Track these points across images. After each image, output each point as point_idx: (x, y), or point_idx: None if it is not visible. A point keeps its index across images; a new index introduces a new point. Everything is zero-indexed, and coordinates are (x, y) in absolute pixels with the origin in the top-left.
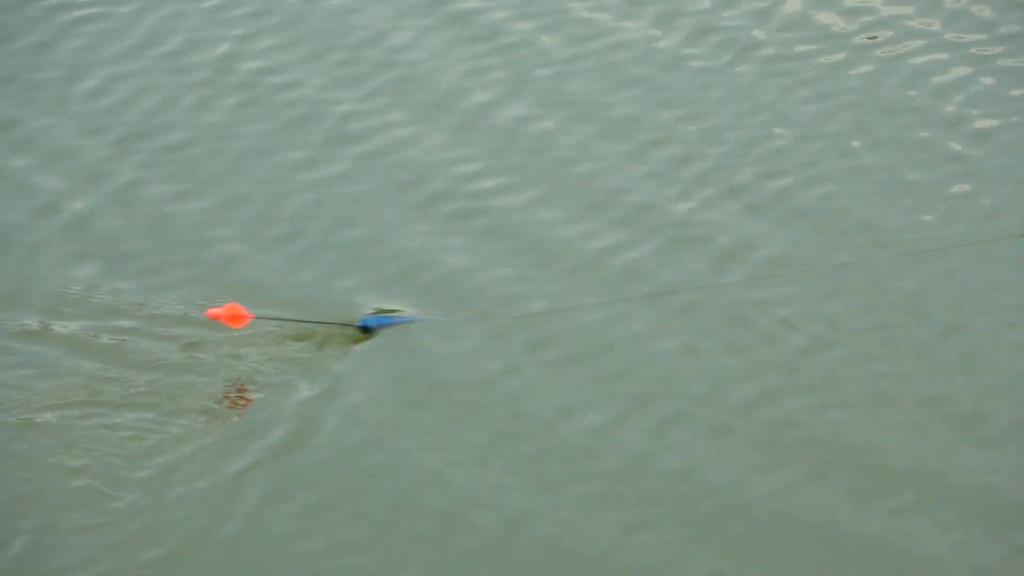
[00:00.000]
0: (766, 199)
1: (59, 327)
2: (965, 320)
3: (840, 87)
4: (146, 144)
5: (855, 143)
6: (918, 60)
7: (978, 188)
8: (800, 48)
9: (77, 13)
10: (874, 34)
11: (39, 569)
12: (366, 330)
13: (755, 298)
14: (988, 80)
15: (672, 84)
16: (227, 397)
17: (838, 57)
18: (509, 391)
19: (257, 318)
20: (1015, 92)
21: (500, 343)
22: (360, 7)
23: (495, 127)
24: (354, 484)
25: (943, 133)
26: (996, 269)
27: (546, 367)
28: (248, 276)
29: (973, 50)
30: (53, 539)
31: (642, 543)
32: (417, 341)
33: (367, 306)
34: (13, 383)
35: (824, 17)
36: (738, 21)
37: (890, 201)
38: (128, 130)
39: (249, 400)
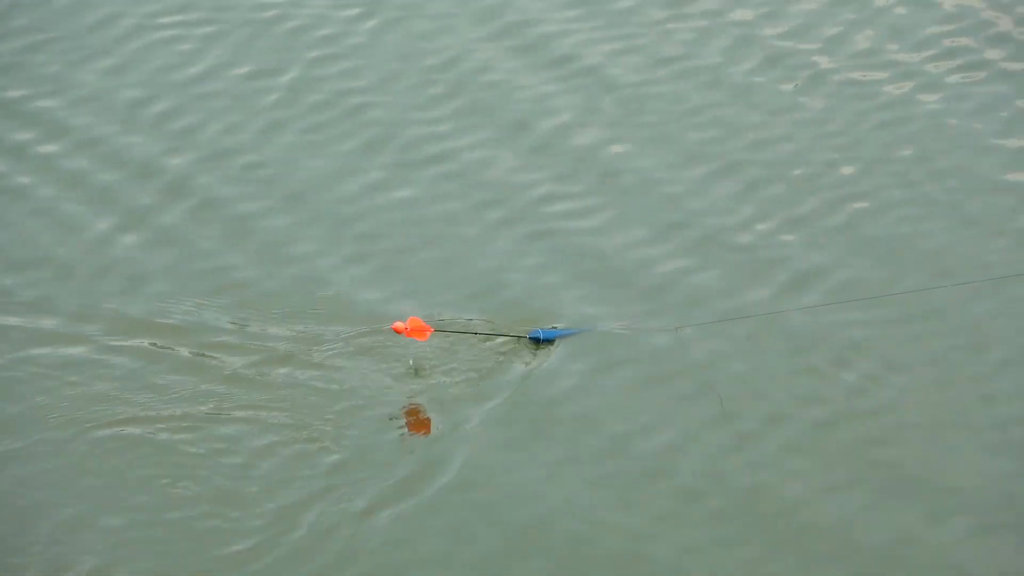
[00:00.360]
0: (832, 227)
1: (178, 348)
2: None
3: (907, 116)
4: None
5: (919, 173)
6: (984, 91)
7: None
8: (869, 76)
9: (157, 35)
10: (940, 64)
11: None
12: (537, 342)
13: (823, 323)
14: None
15: (741, 111)
16: (407, 421)
17: (905, 87)
18: (583, 409)
19: (437, 331)
20: None
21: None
22: (437, 32)
23: (570, 150)
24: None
25: (1003, 164)
26: None
27: (623, 385)
28: (337, 291)
29: None
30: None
31: (718, 558)
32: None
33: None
34: (124, 398)
35: (891, 47)
36: (808, 47)
37: (953, 232)
38: (209, 149)
39: (426, 421)
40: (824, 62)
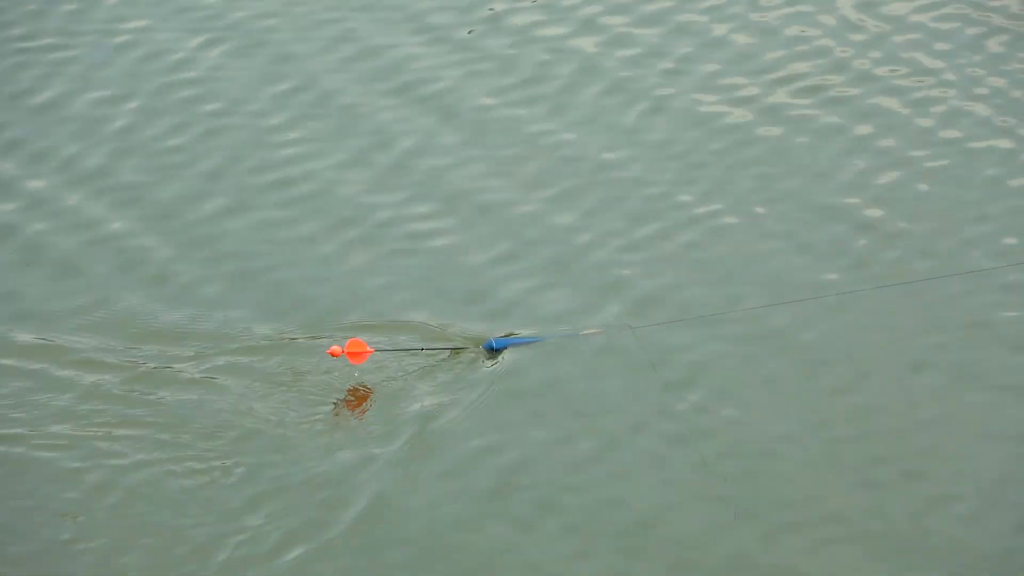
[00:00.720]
0: (671, 250)
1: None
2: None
3: (748, 141)
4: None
5: (758, 198)
6: (823, 118)
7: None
8: (710, 102)
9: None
10: (780, 90)
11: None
12: (492, 351)
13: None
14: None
15: (585, 136)
16: (345, 400)
17: (746, 114)
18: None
19: (377, 351)
20: (915, 152)
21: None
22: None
23: (419, 171)
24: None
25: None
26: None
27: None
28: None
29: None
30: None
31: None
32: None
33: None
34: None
35: (734, 73)
36: (651, 73)
37: (790, 256)
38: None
39: (365, 398)
40: (667, 89)
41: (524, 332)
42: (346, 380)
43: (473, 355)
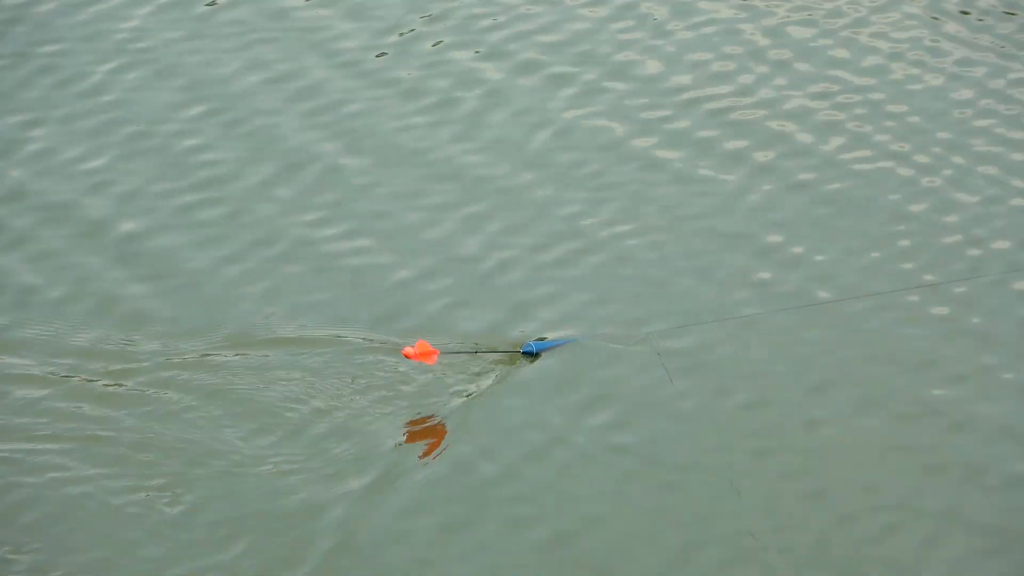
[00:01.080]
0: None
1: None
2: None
3: (655, 166)
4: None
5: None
6: (726, 144)
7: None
8: (614, 129)
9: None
10: (684, 117)
11: None
12: (530, 355)
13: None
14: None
15: (491, 161)
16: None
17: (651, 140)
18: None
19: (443, 353)
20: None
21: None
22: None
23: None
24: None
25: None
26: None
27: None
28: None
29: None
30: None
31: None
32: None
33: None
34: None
35: (638, 100)
36: (557, 102)
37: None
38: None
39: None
40: (571, 115)
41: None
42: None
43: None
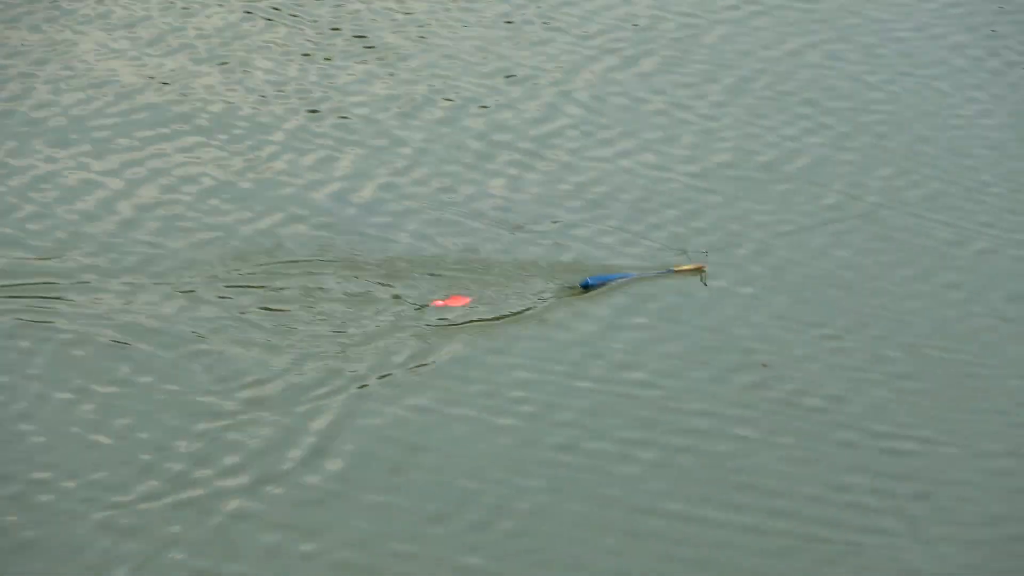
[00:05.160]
0: None
1: None
2: None
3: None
4: None
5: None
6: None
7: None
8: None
9: None
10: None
11: None
12: (586, 288)
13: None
14: None
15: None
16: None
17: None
18: None
19: (475, 302)
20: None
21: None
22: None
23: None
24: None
25: None
26: None
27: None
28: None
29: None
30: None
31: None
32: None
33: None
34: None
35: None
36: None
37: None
38: None
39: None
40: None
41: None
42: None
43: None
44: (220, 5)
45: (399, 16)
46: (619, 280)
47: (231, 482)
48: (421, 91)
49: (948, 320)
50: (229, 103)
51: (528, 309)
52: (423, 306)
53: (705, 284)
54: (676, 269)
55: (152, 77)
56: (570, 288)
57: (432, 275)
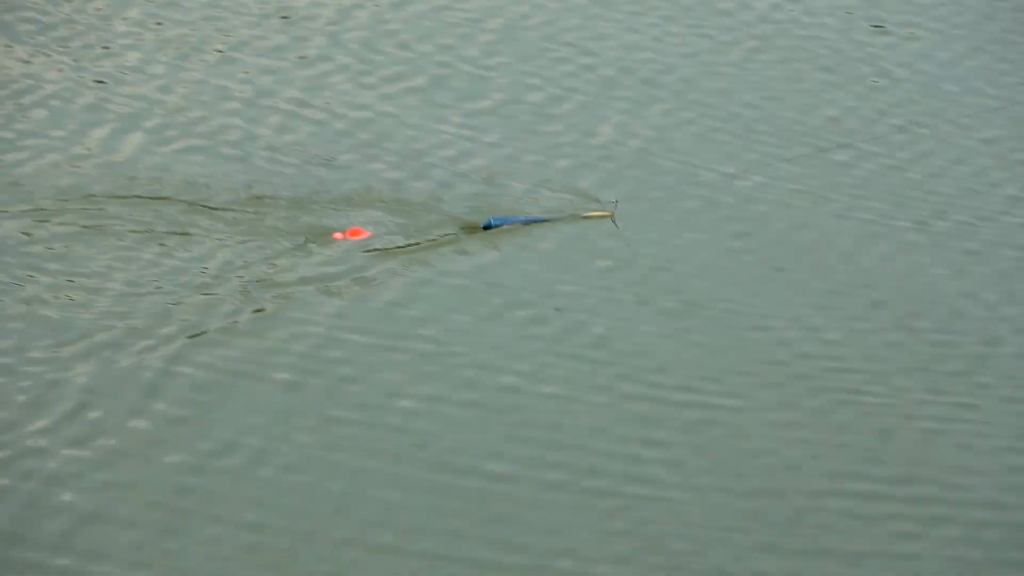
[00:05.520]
0: None
1: None
2: None
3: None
4: None
5: None
6: None
7: None
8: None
9: None
10: None
11: None
12: (488, 228)
13: None
14: None
15: None
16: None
17: None
18: None
19: (376, 235)
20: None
21: None
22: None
23: None
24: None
25: None
26: None
27: None
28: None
29: None
30: None
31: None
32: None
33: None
34: None
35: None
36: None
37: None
38: None
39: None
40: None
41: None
42: None
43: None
44: None
45: None
46: (523, 222)
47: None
48: None
49: (727, 270)
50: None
51: (416, 244)
52: (324, 237)
53: (617, 226)
54: (587, 216)
55: None
56: (471, 227)
57: (335, 210)
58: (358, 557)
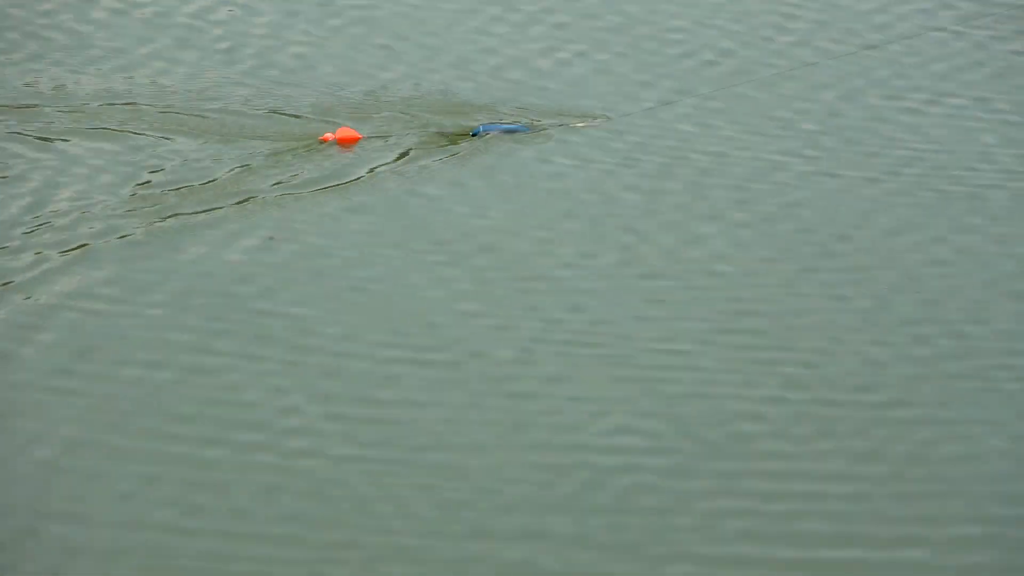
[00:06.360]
0: None
1: None
2: None
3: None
4: None
5: None
6: None
7: None
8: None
9: None
10: None
11: None
12: (476, 135)
13: None
14: None
15: None
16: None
17: None
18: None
19: (367, 137)
20: None
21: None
22: None
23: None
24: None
25: None
26: None
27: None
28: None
29: None
30: None
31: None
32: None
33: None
34: None
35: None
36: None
37: None
38: None
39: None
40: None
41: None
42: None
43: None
44: None
45: None
46: (510, 131)
47: None
48: None
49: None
50: None
51: (405, 155)
52: (313, 140)
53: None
54: (576, 125)
55: None
56: (460, 135)
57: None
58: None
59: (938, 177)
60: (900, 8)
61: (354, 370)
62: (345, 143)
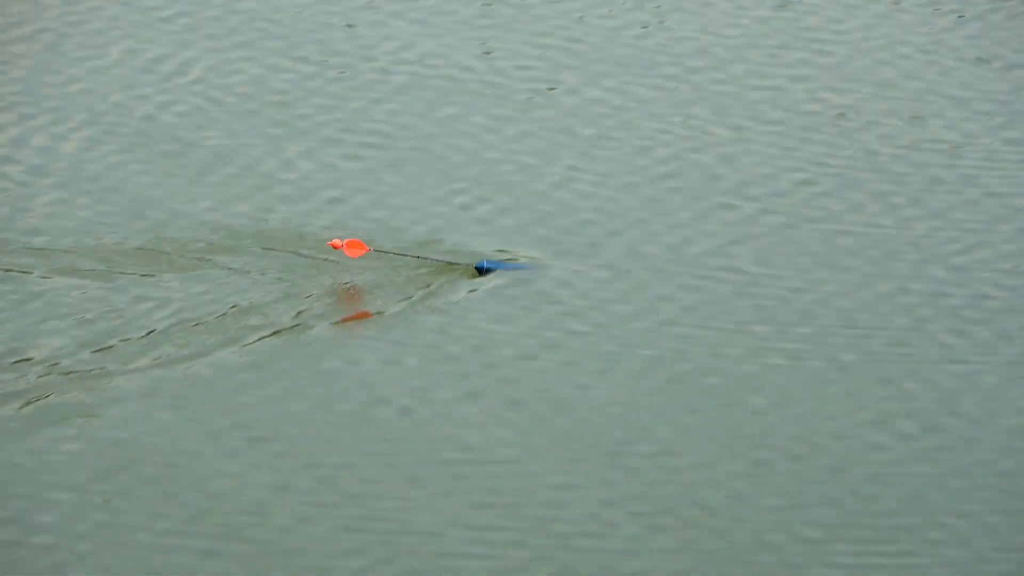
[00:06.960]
0: None
1: None
2: None
3: None
4: None
5: None
6: None
7: None
8: None
9: None
10: None
11: None
12: (481, 271)
13: None
14: None
15: None
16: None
17: None
18: None
19: (374, 251)
20: None
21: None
22: None
23: None
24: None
25: None
26: None
27: None
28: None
29: None
30: None
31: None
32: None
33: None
34: None
35: None
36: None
37: None
38: None
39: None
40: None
41: (520, 259)
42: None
43: (462, 272)
44: None
45: None
46: (515, 269)
47: None
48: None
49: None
50: None
51: (414, 289)
52: (321, 242)
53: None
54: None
55: None
56: (465, 268)
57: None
58: None
59: None
60: None
61: None
62: (354, 249)
